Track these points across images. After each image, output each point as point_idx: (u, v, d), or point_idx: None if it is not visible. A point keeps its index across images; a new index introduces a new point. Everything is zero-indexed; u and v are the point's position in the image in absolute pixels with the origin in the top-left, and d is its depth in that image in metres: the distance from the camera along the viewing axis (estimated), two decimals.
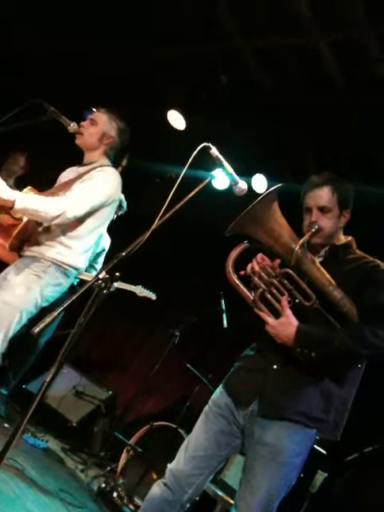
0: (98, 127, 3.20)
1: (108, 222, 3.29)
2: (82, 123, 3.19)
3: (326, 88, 4.39)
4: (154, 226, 2.07)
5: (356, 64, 4.10)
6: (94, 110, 3.27)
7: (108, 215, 3.19)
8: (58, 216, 2.86)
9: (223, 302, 4.67)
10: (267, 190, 2.22)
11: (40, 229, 3.03)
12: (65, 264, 3.01)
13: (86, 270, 3.97)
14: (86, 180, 3.04)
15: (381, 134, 4.32)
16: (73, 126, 3.13)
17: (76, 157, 3.27)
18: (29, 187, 3.13)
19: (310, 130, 4.71)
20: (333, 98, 4.41)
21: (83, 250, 3.10)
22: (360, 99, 4.27)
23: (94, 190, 3.01)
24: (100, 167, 3.12)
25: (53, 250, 2.99)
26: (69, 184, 3.07)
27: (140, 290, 4.60)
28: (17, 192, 2.81)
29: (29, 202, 2.81)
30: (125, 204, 4.42)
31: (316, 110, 4.56)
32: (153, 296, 4.62)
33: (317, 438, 2.26)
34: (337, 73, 4.24)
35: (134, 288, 4.59)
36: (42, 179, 3.21)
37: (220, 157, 2.29)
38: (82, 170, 3.17)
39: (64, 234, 3.02)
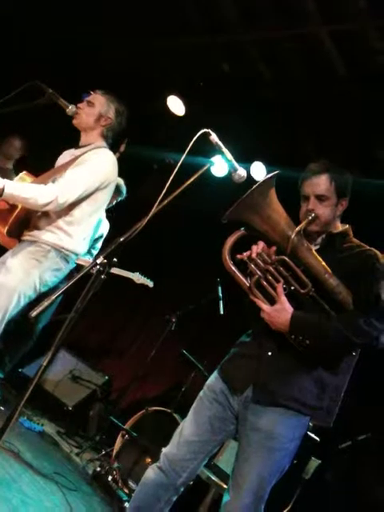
0: (95, 108, 3.16)
1: (105, 206, 3.26)
2: (79, 104, 3.16)
3: (326, 78, 4.38)
4: (152, 213, 2.07)
5: (357, 55, 4.08)
6: (91, 92, 3.24)
7: (105, 199, 3.16)
8: (49, 203, 2.84)
9: (220, 288, 4.68)
10: (265, 177, 2.22)
11: (38, 214, 3.01)
12: (65, 249, 3.00)
13: (83, 255, 3.98)
14: (79, 164, 3.00)
15: (380, 125, 4.31)
16: (71, 109, 3.10)
17: (75, 139, 3.24)
18: (24, 172, 3.11)
19: (309, 119, 4.69)
20: (333, 87, 4.40)
21: (82, 237, 3.09)
22: (360, 90, 4.25)
23: (87, 173, 2.97)
24: (94, 150, 3.08)
25: (53, 236, 2.97)
26: (63, 168, 3.04)
27: (137, 277, 4.61)
28: (6, 180, 2.77)
29: (18, 189, 2.79)
30: (124, 190, 4.41)
31: (316, 100, 4.54)
32: (150, 283, 4.63)
33: (310, 424, 2.28)
34: (338, 63, 4.22)
35: (131, 275, 4.59)
36: (42, 162, 3.18)
37: (220, 143, 2.28)
38: (77, 152, 3.13)
39: (62, 219, 3.00)
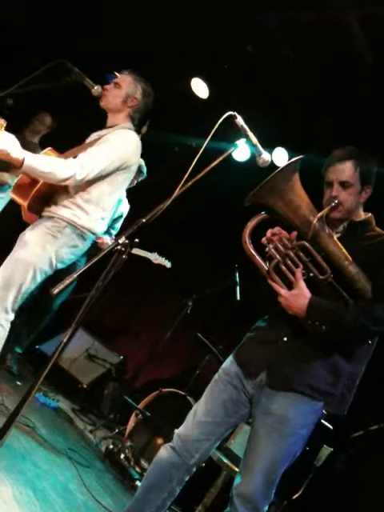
0: (122, 89, 3.14)
1: (125, 187, 3.26)
2: (106, 86, 3.14)
3: (352, 64, 4.30)
4: (175, 195, 2.07)
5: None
6: (116, 73, 3.23)
7: (125, 180, 3.15)
8: (67, 178, 2.84)
9: (237, 274, 4.68)
10: (289, 161, 2.21)
11: (58, 190, 3.02)
12: (82, 227, 3.00)
13: (103, 235, 3.99)
14: (101, 142, 3.00)
15: None
16: (97, 89, 3.09)
17: (100, 118, 3.24)
18: (49, 148, 3.12)
19: (334, 105, 4.63)
20: (359, 73, 4.32)
21: (100, 217, 3.08)
22: None
23: (108, 152, 2.96)
24: (118, 130, 3.08)
25: (70, 212, 2.98)
26: (87, 146, 3.04)
27: (155, 257, 4.63)
28: (27, 152, 2.77)
29: (38, 162, 2.79)
30: (145, 170, 4.41)
31: (342, 86, 4.47)
32: (167, 264, 4.64)
33: (324, 412, 2.29)
34: (365, 49, 4.14)
35: (149, 255, 4.61)
36: (67, 140, 3.19)
37: (245, 126, 2.26)
38: (103, 132, 3.13)
39: (81, 197, 3.00)
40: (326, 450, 3.53)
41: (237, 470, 3.31)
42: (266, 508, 2.23)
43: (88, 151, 2.96)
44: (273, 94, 4.92)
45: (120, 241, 1.95)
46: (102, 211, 3.08)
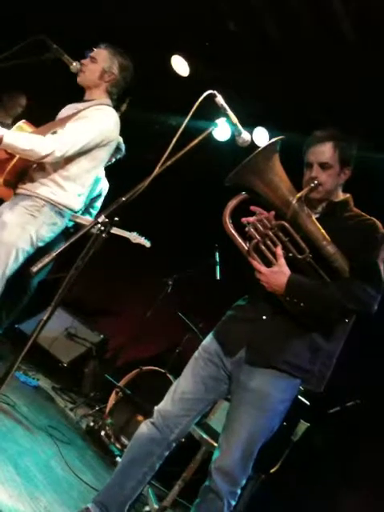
0: (98, 64, 3.11)
1: (104, 164, 3.24)
2: (83, 61, 3.11)
3: (336, 44, 4.28)
4: (154, 173, 2.06)
5: (369, 22, 3.98)
6: (94, 49, 3.19)
7: (104, 157, 3.14)
8: (47, 155, 2.83)
9: (217, 254, 4.70)
10: (270, 141, 2.21)
11: (35, 166, 3.00)
12: (59, 204, 3.00)
13: (82, 214, 3.98)
14: (80, 118, 2.98)
15: None
16: (75, 66, 3.06)
17: (79, 95, 3.20)
18: (23, 121, 3.08)
19: (317, 85, 4.61)
20: (343, 53, 4.31)
21: (78, 193, 3.08)
22: (371, 57, 4.16)
23: (88, 129, 2.95)
24: (97, 105, 3.05)
25: (47, 190, 2.97)
26: (65, 121, 3.01)
27: (134, 237, 4.59)
28: (5, 130, 2.77)
29: (17, 139, 2.79)
30: (123, 147, 4.37)
31: (325, 65, 4.45)
32: (147, 243, 4.62)
33: (301, 388, 2.33)
34: (348, 29, 4.12)
35: (128, 234, 4.58)
36: (43, 118, 3.15)
37: (225, 106, 2.25)
38: (80, 106, 3.10)
39: (58, 173, 2.99)
40: (303, 425, 3.60)
41: (216, 444, 3.35)
42: (244, 481, 2.28)
43: (67, 127, 2.94)
44: (253, 73, 4.88)
45: (100, 220, 1.95)
46: (79, 188, 3.08)
